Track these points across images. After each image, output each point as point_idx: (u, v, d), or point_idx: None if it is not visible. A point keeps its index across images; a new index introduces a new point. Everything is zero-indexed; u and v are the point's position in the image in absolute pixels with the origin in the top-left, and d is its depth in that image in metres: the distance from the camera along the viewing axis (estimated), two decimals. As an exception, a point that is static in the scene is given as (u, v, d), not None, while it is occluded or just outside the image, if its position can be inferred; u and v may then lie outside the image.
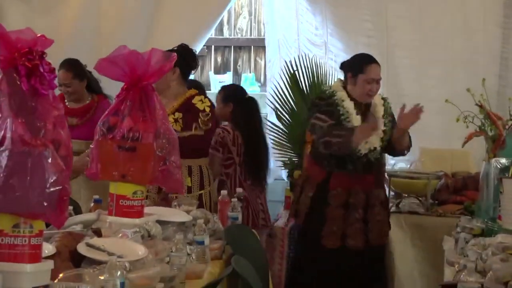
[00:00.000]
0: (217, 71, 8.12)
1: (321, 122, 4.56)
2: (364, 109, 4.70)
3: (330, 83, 6.12)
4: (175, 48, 4.63)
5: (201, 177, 4.76)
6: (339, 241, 4.66)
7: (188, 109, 4.67)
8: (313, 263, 4.76)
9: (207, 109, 4.68)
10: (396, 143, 4.70)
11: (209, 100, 4.80)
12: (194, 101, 4.71)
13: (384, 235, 4.81)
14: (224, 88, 5.56)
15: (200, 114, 4.65)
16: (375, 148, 4.65)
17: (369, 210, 4.69)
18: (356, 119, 4.61)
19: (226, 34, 8.07)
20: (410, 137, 4.75)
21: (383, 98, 4.82)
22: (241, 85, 7.61)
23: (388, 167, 5.48)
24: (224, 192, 4.33)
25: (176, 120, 4.60)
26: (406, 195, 5.46)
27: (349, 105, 4.63)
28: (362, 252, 4.67)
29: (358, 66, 4.71)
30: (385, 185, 5.00)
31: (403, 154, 4.94)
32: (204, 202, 4.73)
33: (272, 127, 6.08)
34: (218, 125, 5.10)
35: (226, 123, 5.26)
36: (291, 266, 5.11)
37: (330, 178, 4.70)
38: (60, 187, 2.43)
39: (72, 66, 5.28)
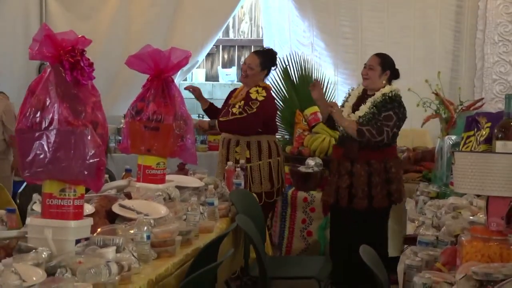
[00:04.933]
0: (224, 66, 8.10)
1: None
2: (364, 101, 4.47)
3: (315, 76, 6.09)
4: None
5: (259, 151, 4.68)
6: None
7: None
8: None
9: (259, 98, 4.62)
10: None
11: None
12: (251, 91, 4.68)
13: (348, 201, 4.46)
14: None
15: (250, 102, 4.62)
16: (342, 129, 4.49)
17: (339, 177, 4.47)
18: (347, 104, 4.54)
19: (231, 35, 8.04)
20: (363, 135, 4.30)
21: (383, 94, 4.43)
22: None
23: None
24: (230, 163, 4.32)
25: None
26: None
27: (354, 93, 4.57)
28: (341, 211, 4.49)
29: None
30: (367, 164, 4.47)
31: (366, 144, 4.38)
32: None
33: (268, 111, 6.04)
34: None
35: None
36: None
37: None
38: (98, 159, 2.43)
39: None
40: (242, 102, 4.64)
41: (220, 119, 4.64)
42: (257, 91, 4.64)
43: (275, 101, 5.00)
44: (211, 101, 5.02)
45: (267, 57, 4.77)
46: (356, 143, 4.40)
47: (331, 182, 4.55)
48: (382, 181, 4.41)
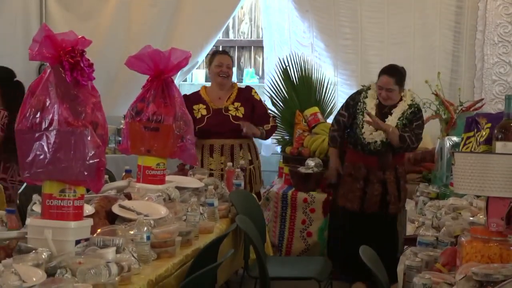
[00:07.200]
0: (224, 67, 8.05)
1: (338, 113, 4.85)
2: (386, 111, 4.59)
3: (315, 77, 6.09)
4: None
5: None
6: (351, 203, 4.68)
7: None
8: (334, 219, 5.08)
9: None
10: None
11: None
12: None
13: (379, 206, 4.61)
14: None
15: None
16: (375, 142, 4.55)
17: (369, 185, 4.60)
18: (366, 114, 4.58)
19: (231, 36, 8.02)
20: (405, 141, 4.50)
21: (409, 105, 4.60)
22: (242, 77, 7.57)
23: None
24: (229, 164, 4.32)
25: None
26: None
27: (370, 102, 4.61)
28: (359, 215, 4.62)
29: (379, 73, 4.68)
30: (395, 171, 4.66)
31: (402, 151, 4.64)
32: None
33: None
34: None
35: None
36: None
37: (346, 153, 4.76)
38: (98, 159, 2.43)
39: None
40: (239, 103, 4.73)
41: (266, 128, 4.77)
42: (255, 92, 4.88)
43: None
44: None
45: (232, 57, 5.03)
46: (391, 152, 4.58)
47: (354, 188, 4.63)
48: (404, 184, 4.69)
